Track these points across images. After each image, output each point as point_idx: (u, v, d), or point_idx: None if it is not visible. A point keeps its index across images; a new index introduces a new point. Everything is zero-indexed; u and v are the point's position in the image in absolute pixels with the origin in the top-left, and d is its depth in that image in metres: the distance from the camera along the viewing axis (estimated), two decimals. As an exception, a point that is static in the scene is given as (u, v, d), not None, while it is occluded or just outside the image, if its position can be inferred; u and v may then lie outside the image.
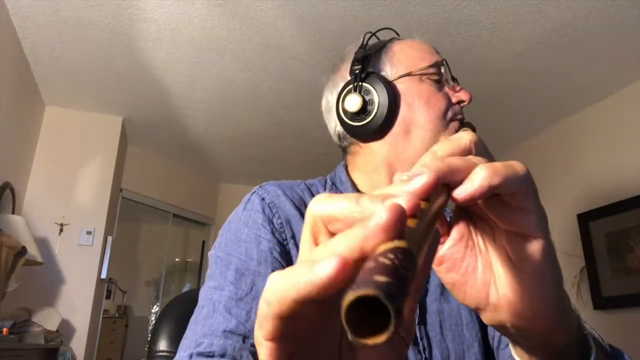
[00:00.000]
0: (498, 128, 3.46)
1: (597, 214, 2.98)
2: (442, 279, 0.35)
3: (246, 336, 0.57)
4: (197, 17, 2.36)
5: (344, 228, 0.25)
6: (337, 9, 2.26)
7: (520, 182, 0.30)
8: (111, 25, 2.43)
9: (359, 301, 0.18)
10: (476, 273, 0.34)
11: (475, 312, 0.70)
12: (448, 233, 0.35)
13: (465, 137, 0.33)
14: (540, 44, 2.49)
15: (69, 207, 3.19)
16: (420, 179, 0.27)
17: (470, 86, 0.85)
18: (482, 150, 0.34)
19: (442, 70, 0.73)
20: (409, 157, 0.70)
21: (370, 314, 0.19)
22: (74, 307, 3.03)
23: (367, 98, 0.70)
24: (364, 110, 0.70)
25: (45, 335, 2.50)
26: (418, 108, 0.70)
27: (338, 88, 0.75)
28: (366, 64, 0.73)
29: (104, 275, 3.37)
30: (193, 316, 0.62)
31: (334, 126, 0.78)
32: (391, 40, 0.77)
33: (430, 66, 0.72)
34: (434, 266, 0.34)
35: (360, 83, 0.71)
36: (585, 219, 3.06)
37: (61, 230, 3.12)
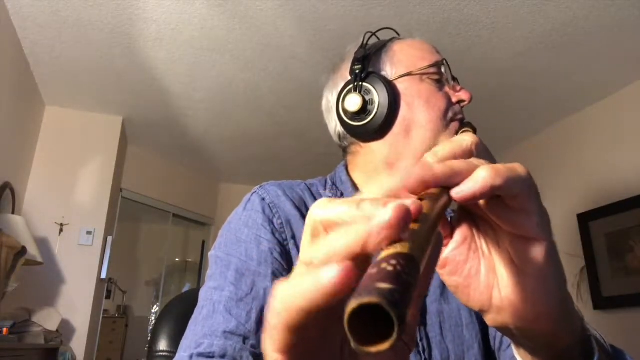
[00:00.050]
0: (498, 128, 3.45)
1: (597, 214, 2.97)
2: (445, 282, 0.35)
3: (246, 337, 0.57)
4: (197, 17, 2.35)
5: None
6: (337, 9, 2.26)
7: (522, 184, 0.30)
8: (111, 25, 2.42)
9: (362, 308, 0.18)
10: (479, 276, 0.34)
11: (476, 313, 0.70)
12: (451, 236, 0.35)
13: (466, 139, 0.33)
14: (540, 44, 2.49)
15: (69, 207, 3.18)
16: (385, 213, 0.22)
17: (470, 86, 0.85)
18: (484, 152, 0.34)
19: (443, 69, 0.73)
20: (409, 157, 0.70)
21: (373, 321, 0.18)
22: (74, 307, 3.03)
23: (367, 98, 0.70)
24: (364, 110, 0.70)
25: (45, 335, 2.50)
26: (418, 108, 0.70)
27: (338, 88, 0.75)
28: (366, 64, 0.73)
29: (104, 275, 3.37)
30: (193, 316, 0.62)
31: (334, 126, 0.78)
32: (391, 40, 0.77)
33: (431, 66, 0.72)
34: (436, 269, 0.34)
35: (360, 83, 0.71)
36: (585, 219, 3.05)
37: (61, 230, 3.11)
